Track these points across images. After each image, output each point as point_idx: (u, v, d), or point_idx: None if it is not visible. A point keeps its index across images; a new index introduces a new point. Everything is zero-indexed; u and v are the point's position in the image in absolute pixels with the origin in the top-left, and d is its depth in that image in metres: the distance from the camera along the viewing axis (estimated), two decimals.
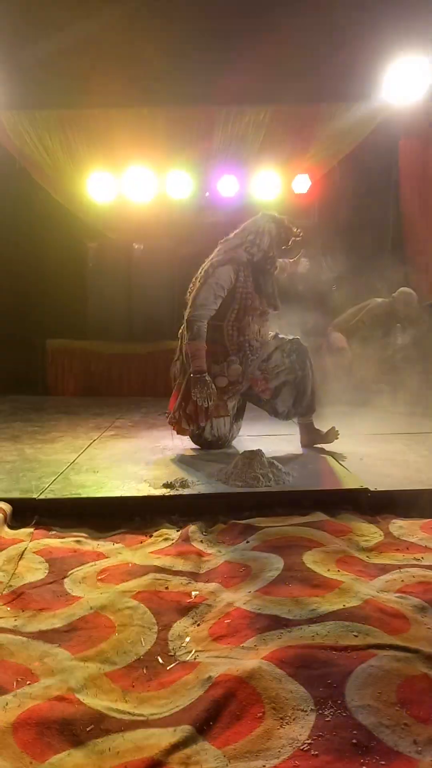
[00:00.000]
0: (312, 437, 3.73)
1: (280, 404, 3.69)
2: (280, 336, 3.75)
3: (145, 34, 5.26)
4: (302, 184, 6.52)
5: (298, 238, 3.67)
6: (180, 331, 3.69)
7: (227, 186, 6.40)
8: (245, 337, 3.60)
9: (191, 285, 3.67)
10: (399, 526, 2.54)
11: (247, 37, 5.34)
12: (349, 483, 2.93)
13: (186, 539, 2.39)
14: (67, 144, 6.09)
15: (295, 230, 3.65)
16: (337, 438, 3.68)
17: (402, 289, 5.82)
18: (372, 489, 2.77)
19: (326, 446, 3.67)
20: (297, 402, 3.68)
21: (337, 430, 3.69)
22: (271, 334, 3.77)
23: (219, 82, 5.58)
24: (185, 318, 3.58)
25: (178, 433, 3.74)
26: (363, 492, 2.77)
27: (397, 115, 5.92)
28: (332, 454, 3.53)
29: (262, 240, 3.62)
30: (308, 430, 3.75)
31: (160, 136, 6.01)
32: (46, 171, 6.32)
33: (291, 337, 3.73)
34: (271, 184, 6.37)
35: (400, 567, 2.13)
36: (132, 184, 6.35)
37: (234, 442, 3.84)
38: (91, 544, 2.38)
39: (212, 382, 3.50)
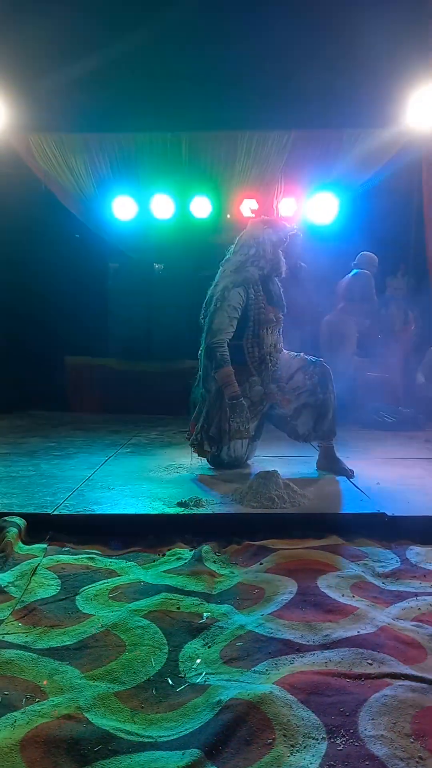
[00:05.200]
0: (330, 463, 3.65)
1: (300, 426, 3.65)
2: (305, 357, 3.74)
3: (170, 61, 5.39)
4: (323, 207, 6.54)
5: (293, 232, 3.68)
6: (199, 353, 3.69)
7: (249, 208, 6.44)
8: (265, 349, 3.62)
9: (203, 310, 3.69)
10: (416, 552, 2.50)
11: (272, 64, 5.44)
12: (366, 507, 2.89)
13: (199, 559, 2.37)
14: (92, 166, 6.22)
15: (288, 225, 3.67)
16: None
17: None
18: (389, 514, 2.73)
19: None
20: (317, 425, 3.62)
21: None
22: (295, 354, 3.76)
23: (243, 108, 5.68)
24: (204, 345, 3.60)
25: (199, 456, 3.72)
26: (380, 517, 2.73)
27: (420, 138, 5.94)
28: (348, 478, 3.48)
29: (266, 249, 3.65)
30: (328, 454, 3.68)
31: (183, 158, 6.11)
32: (70, 192, 6.45)
33: (315, 359, 3.71)
34: (292, 207, 6.40)
35: (416, 595, 2.09)
36: (154, 205, 6.44)
37: (250, 462, 3.82)
38: (104, 562, 2.38)
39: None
